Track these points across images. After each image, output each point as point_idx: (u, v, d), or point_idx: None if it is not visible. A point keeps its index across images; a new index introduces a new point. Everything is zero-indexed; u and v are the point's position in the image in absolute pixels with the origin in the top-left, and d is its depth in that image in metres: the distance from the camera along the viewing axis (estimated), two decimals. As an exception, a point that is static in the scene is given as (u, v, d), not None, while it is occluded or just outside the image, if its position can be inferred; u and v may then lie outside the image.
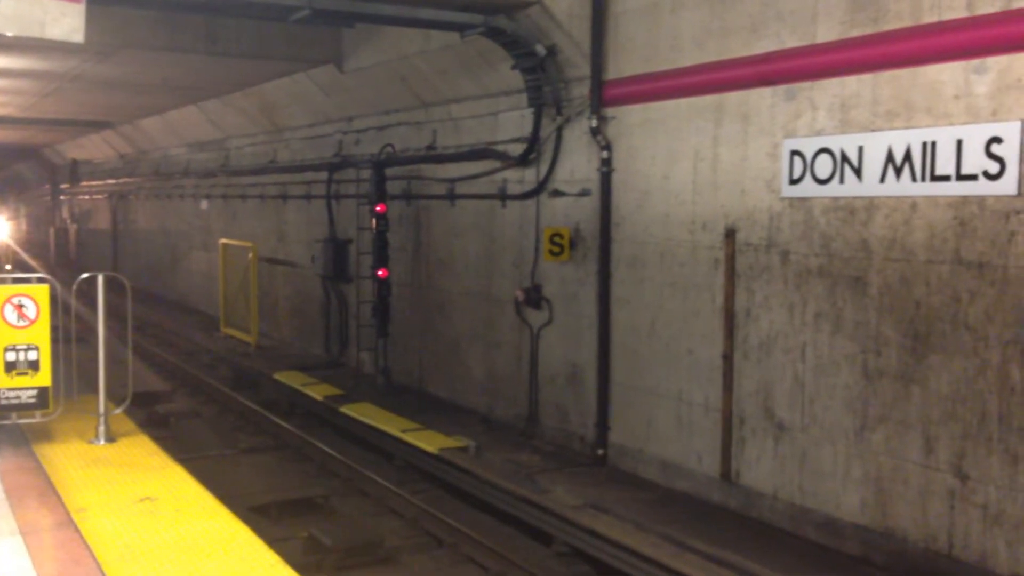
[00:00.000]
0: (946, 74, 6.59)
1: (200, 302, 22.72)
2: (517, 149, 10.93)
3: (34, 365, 8.28)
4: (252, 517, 8.18)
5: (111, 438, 8.73)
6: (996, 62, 6.29)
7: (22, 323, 8.24)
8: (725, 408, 8.42)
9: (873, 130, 7.07)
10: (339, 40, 13.45)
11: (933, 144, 6.65)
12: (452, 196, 12.40)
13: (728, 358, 8.38)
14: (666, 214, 9.03)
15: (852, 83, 7.22)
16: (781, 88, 7.79)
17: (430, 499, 9.55)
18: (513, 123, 11.12)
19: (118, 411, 9.09)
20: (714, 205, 8.49)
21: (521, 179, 11.06)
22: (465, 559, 8.32)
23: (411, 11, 9.81)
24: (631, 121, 9.40)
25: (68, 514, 6.78)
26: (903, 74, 6.86)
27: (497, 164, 11.38)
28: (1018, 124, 6.15)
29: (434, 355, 13.13)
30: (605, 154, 9.62)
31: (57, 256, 34.16)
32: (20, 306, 8.23)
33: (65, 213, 36.90)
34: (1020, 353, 6.26)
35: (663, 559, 7.37)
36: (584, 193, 10.05)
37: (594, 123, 9.62)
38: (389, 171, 13.36)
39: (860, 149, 7.15)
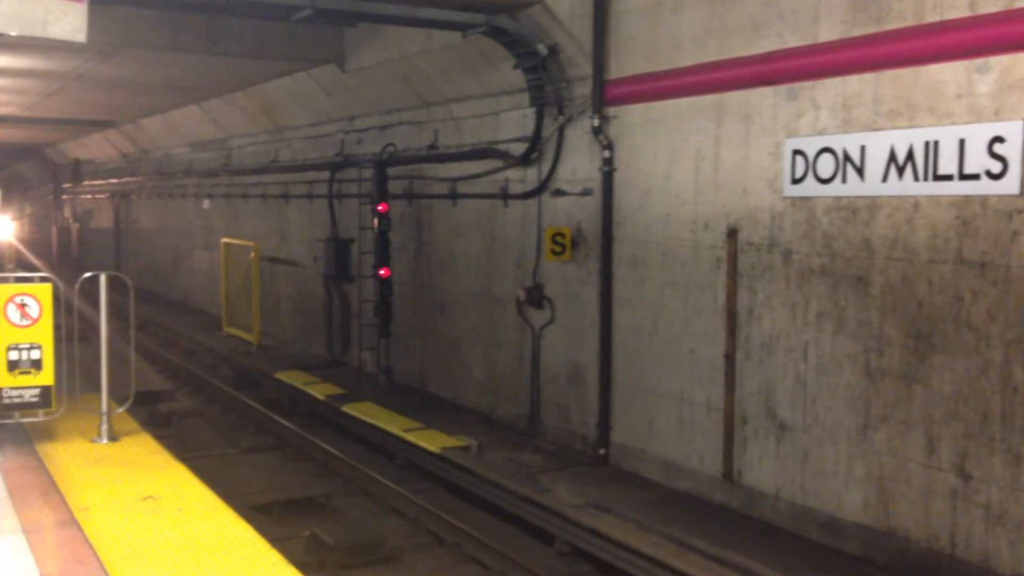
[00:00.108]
0: (948, 73, 6.58)
1: (202, 301, 22.73)
2: (519, 148, 10.93)
3: (37, 364, 8.29)
4: (254, 516, 8.19)
5: (114, 437, 8.74)
6: (998, 61, 6.29)
7: (25, 322, 8.25)
8: (727, 408, 8.42)
9: (875, 129, 7.07)
10: (341, 40, 13.46)
11: (935, 143, 6.65)
12: (454, 195, 12.41)
13: (730, 358, 8.38)
14: (668, 213, 9.03)
15: (854, 82, 7.22)
16: (783, 87, 7.79)
17: (432, 498, 9.55)
18: (515, 122, 11.12)
19: (121, 410, 9.10)
20: (716, 204, 8.49)
21: (523, 178, 11.07)
22: (467, 558, 8.32)
23: (413, 10, 9.81)
24: (633, 120, 9.40)
25: (71, 513, 6.78)
26: (905, 73, 6.85)
27: (499, 163, 11.38)
28: (1020, 124, 6.15)
29: (436, 354, 13.14)
30: (607, 153, 9.62)
31: (59, 255, 34.20)
32: (23, 305, 8.24)
33: (67, 212, 36.91)
34: (1023, 353, 6.25)
35: (665, 558, 7.38)
36: (586, 192, 10.05)
37: (596, 122, 9.62)
38: (391, 170, 13.37)
39: (862, 148, 7.15)
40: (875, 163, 7.05)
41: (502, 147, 11.30)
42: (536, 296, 10.78)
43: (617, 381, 9.77)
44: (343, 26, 12.68)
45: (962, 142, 6.48)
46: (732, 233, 8.32)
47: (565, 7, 9.67)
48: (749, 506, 8.26)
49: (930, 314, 6.79)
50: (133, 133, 25.56)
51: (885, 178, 6.99)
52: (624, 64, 9.39)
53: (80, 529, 6.46)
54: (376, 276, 13.39)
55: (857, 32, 7.15)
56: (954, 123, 6.54)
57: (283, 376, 14.20)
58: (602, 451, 9.87)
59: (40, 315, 8.28)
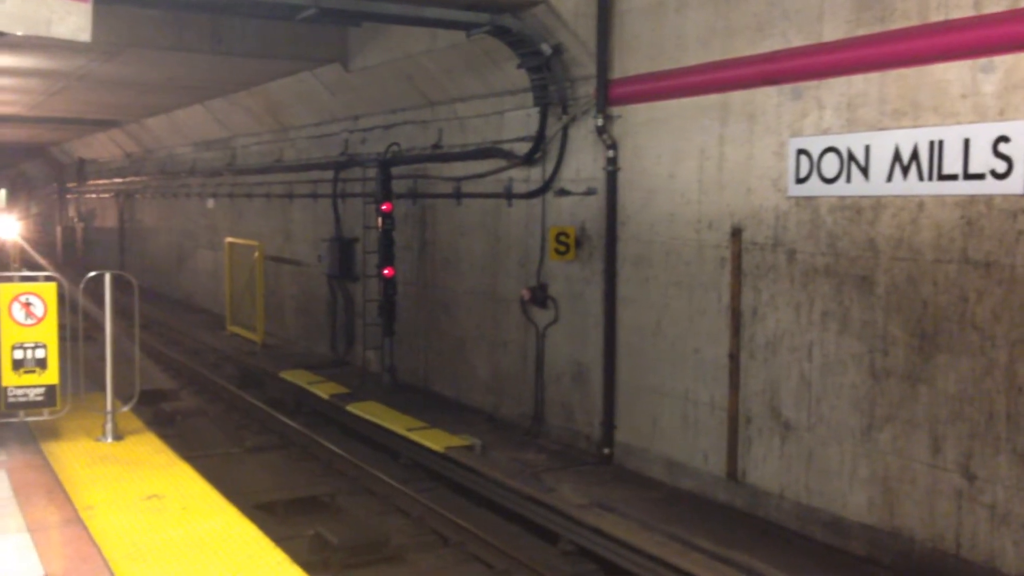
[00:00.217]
0: (953, 73, 6.57)
1: (206, 301, 22.76)
2: (523, 148, 10.93)
3: (41, 363, 8.31)
4: (258, 515, 8.19)
5: (118, 436, 8.75)
6: (1003, 61, 6.27)
7: (30, 321, 8.27)
8: (731, 407, 8.42)
9: (880, 129, 7.06)
10: (345, 39, 13.47)
11: (940, 143, 6.64)
12: (458, 195, 12.41)
13: (734, 357, 8.37)
14: (672, 213, 9.03)
15: (859, 82, 7.21)
16: (787, 87, 7.79)
17: (436, 497, 9.55)
18: (519, 122, 11.12)
19: (125, 409, 9.12)
20: (720, 204, 8.49)
21: (527, 178, 11.07)
22: (471, 557, 8.32)
23: (417, 10, 9.82)
24: (637, 120, 9.40)
25: (76, 511, 6.80)
26: (910, 73, 6.85)
27: (503, 163, 11.38)
28: (1026, 123, 6.14)
29: (440, 354, 13.14)
30: (611, 153, 9.62)
31: (64, 254, 34.25)
32: (28, 304, 8.26)
33: (72, 212, 36.98)
34: (1027, 352, 6.25)
35: (669, 558, 7.37)
36: (590, 192, 10.05)
37: (600, 122, 9.62)
38: (395, 170, 13.38)
39: (867, 148, 7.14)
40: (880, 163, 7.04)
41: (506, 147, 11.30)
42: (540, 295, 10.78)
43: (621, 380, 9.77)
44: (347, 25, 12.70)
45: (967, 142, 6.47)
46: (736, 233, 8.31)
47: (569, 7, 9.67)
48: (753, 506, 8.26)
49: (935, 314, 6.78)
50: (137, 133, 25.59)
51: (890, 178, 6.99)
52: (628, 64, 9.39)
53: (85, 527, 6.48)
54: (380, 275, 13.40)
55: (861, 32, 7.15)
56: (959, 123, 6.53)
57: (287, 375, 14.21)
58: (606, 450, 9.87)
59: (45, 314, 8.30)
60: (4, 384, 8.23)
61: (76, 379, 9.02)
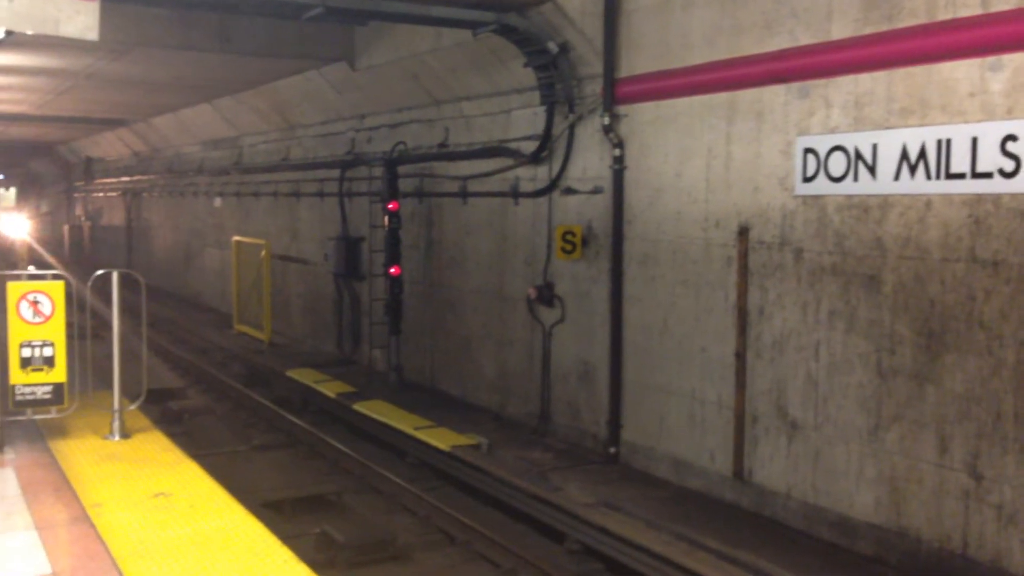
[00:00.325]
0: (961, 71, 6.55)
1: (213, 299, 22.81)
2: (529, 147, 10.92)
3: (49, 361, 8.34)
4: (265, 513, 8.21)
5: (126, 434, 8.78)
6: (1011, 59, 6.25)
7: (37, 319, 8.29)
8: (738, 406, 8.41)
9: (887, 128, 7.04)
10: (351, 38, 13.47)
11: (948, 142, 6.62)
12: (464, 194, 12.41)
13: (741, 356, 8.36)
14: (678, 212, 9.02)
15: (866, 80, 7.19)
16: (795, 85, 7.77)
17: (442, 496, 9.56)
18: (525, 121, 11.12)
19: (133, 407, 9.15)
20: (727, 203, 8.47)
21: (533, 177, 11.06)
22: (477, 556, 8.33)
23: (423, 9, 9.82)
24: (643, 119, 9.39)
25: (83, 509, 6.82)
26: (918, 71, 6.83)
27: (509, 162, 11.38)
28: (1034, 122, 6.12)
29: (446, 353, 13.15)
30: (617, 152, 9.61)
31: (72, 253, 34.34)
32: (36, 303, 8.28)
33: (79, 210, 37.09)
34: (1035, 352, 6.23)
35: (675, 557, 7.37)
36: (596, 191, 10.05)
37: (606, 120, 9.61)
38: (401, 169, 13.38)
39: (874, 147, 7.12)
40: (887, 161, 7.02)
41: (512, 145, 11.30)
42: (547, 294, 10.77)
43: (627, 379, 9.76)
44: (354, 24, 12.71)
45: (975, 140, 6.45)
46: (743, 231, 8.30)
47: (576, 5, 9.66)
48: (760, 505, 8.25)
49: (942, 313, 6.76)
50: (145, 131, 25.65)
51: (897, 176, 6.97)
52: (635, 62, 9.38)
53: (92, 525, 6.50)
54: (386, 274, 13.41)
55: (869, 30, 7.13)
56: (967, 121, 6.51)
57: (294, 374, 14.24)
58: (612, 449, 9.87)
59: (53, 312, 8.33)
60: (12, 382, 8.26)
61: (84, 377, 9.06)
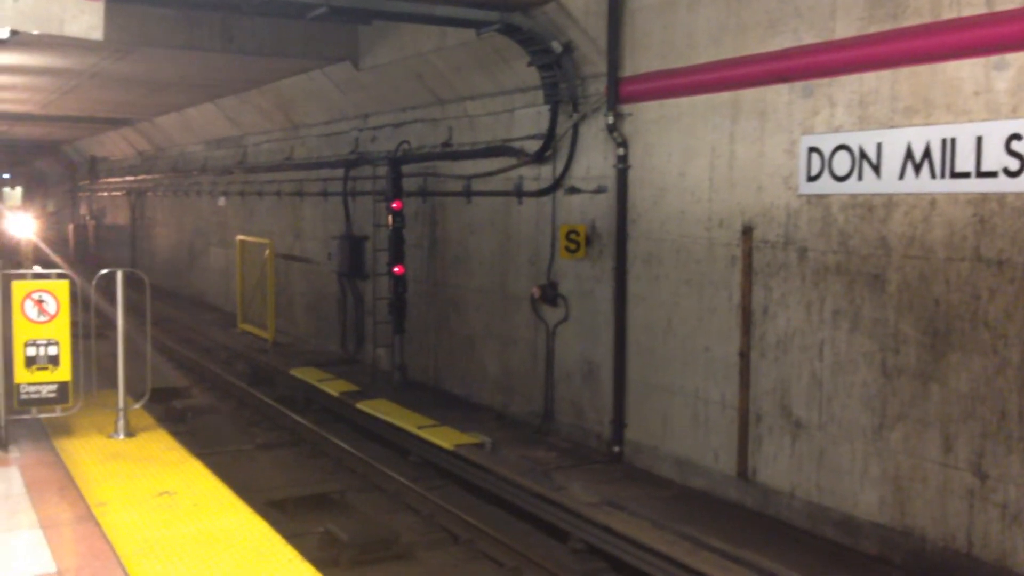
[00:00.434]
0: (966, 70, 6.54)
1: (217, 298, 22.84)
2: (533, 146, 10.92)
3: (54, 360, 8.35)
4: (269, 512, 8.22)
5: (130, 433, 8.80)
6: (1016, 58, 6.24)
7: (42, 318, 8.31)
8: (742, 405, 8.40)
9: (892, 127, 7.03)
10: (355, 37, 13.48)
11: (953, 141, 6.61)
12: (468, 193, 12.41)
13: (745, 355, 8.36)
14: (682, 211, 9.01)
15: (871, 79, 7.19)
16: (799, 84, 7.76)
17: (446, 495, 9.56)
18: (529, 120, 11.12)
19: (137, 406, 9.16)
20: (731, 202, 8.47)
21: (537, 176, 11.06)
22: (481, 555, 8.33)
23: (427, 8, 9.82)
24: (647, 118, 9.38)
25: (88, 508, 6.83)
26: (922, 70, 6.82)
27: (513, 161, 11.38)
28: (1039, 120, 6.11)
29: (450, 352, 13.15)
30: (621, 151, 9.60)
31: (76, 252, 34.39)
32: (40, 301, 8.30)
33: (84, 209, 37.14)
34: (1040, 351, 6.22)
35: (679, 556, 7.36)
36: (600, 190, 10.04)
37: (610, 120, 9.61)
38: (405, 168, 13.39)
39: (879, 146, 7.11)
40: (892, 160, 7.02)
41: (516, 144, 11.30)
42: (550, 294, 10.77)
43: (631, 379, 9.76)
44: (358, 24, 12.72)
45: (979, 139, 6.44)
46: (747, 231, 8.29)
47: (580, 4, 9.66)
48: (764, 504, 8.24)
49: (947, 312, 6.75)
50: (149, 131, 25.69)
51: (902, 176, 6.96)
52: (639, 61, 9.37)
53: (97, 524, 6.51)
54: (390, 273, 13.42)
55: (874, 29, 7.12)
56: (971, 120, 6.50)
57: (298, 373, 14.25)
58: (616, 449, 9.86)
59: (57, 311, 8.34)
60: (17, 381, 8.27)
61: (88, 376, 9.06)
